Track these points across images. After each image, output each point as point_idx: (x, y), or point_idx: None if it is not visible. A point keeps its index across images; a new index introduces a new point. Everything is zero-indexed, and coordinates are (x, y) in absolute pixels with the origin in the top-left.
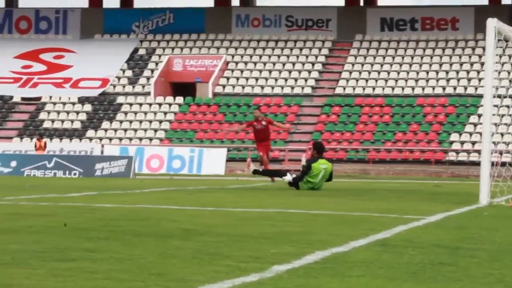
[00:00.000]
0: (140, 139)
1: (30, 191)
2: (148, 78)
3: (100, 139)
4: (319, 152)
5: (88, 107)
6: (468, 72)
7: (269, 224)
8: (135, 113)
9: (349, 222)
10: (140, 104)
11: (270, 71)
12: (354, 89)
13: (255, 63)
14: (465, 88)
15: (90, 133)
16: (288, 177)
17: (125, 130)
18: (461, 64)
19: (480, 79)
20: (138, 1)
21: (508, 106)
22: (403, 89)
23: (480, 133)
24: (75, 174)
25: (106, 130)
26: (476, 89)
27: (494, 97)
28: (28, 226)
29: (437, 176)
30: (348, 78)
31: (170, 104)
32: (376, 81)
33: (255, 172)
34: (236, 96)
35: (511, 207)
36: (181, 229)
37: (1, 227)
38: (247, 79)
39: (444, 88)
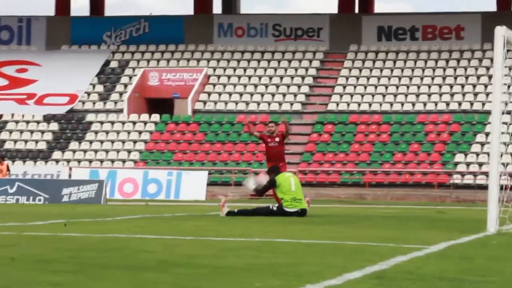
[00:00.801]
0: (112, 161)
1: None
2: (121, 94)
3: (68, 161)
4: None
5: (54, 125)
6: (474, 86)
7: (254, 255)
8: (107, 132)
9: (343, 252)
10: (112, 123)
11: (255, 86)
12: (348, 105)
13: (239, 77)
14: (471, 104)
15: (57, 154)
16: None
17: (96, 151)
18: (467, 77)
19: (487, 94)
20: (109, 8)
21: None
22: (402, 105)
23: (488, 154)
24: (40, 200)
25: (74, 151)
26: (483, 104)
27: (503, 113)
28: None
29: (440, 201)
30: (341, 93)
31: (145, 123)
32: (373, 96)
33: (230, 214)
34: (218, 114)
35: None
36: (156, 260)
37: None
38: (230, 94)
39: (448, 104)
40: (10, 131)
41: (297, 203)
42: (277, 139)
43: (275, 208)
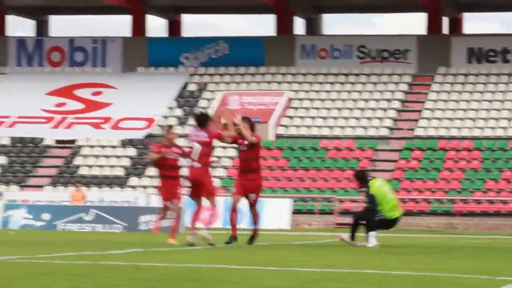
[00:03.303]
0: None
1: (65, 248)
2: None
3: (145, 187)
4: (364, 181)
5: (131, 151)
6: None
7: (338, 287)
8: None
9: (433, 284)
10: (191, 147)
11: (339, 110)
12: (437, 130)
13: (322, 100)
14: None
15: (134, 180)
16: (371, 243)
17: None
18: None
19: None
20: (187, 29)
21: None
22: (494, 130)
23: None
24: (117, 228)
25: (152, 177)
26: None
27: None
28: None
29: None
30: (430, 117)
31: (225, 148)
32: (463, 121)
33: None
34: (301, 139)
35: None
36: None
37: None
38: (313, 118)
39: None
40: (85, 156)
41: (396, 210)
42: (246, 142)
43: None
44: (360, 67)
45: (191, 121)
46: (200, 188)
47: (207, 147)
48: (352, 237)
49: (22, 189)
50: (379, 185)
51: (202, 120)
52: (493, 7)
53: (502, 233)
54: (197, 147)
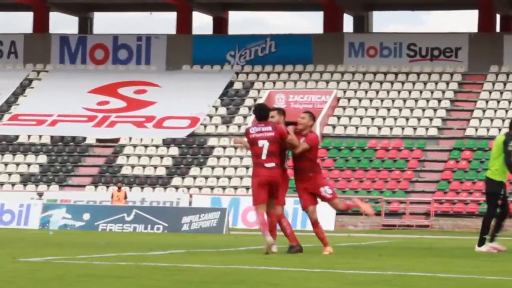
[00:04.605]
0: (235, 188)
1: (106, 249)
2: (245, 117)
3: (188, 188)
4: None
5: (174, 150)
6: None
7: None
8: (230, 157)
9: (479, 287)
10: (236, 147)
11: (388, 109)
12: (488, 130)
13: (370, 100)
14: None
15: (177, 180)
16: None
17: (218, 177)
18: None
19: None
20: (233, 26)
21: None
22: None
23: None
24: (158, 228)
25: (195, 177)
26: None
27: None
28: None
29: None
30: (481, 117)
31: None
32: None
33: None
34: (348, 138)
35: None
36: None
37: None
38: (361, 118)
39: None
40: (128, 156)
41: None
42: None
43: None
44: (410, 65)
45: (237, 119)
46: (275, 190)
47: (275, 144)
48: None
49: (63, 189)
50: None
51: (264, 113)
52: None
53: None
54: (263, 145)
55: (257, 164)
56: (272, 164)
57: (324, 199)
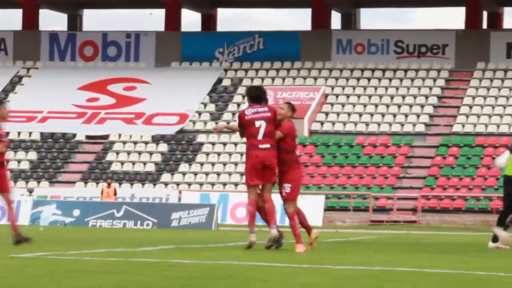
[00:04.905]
0: (224, 184)
1: (95, 245)
2: (233, 113)
3: (178, 184)
4: None
5: (163, 147)
6: None
7: (373, 285)
8: (219, 154)
9: (468, 282)
10: (224, 144)
11: (376, 106)
12: (474, 126)
13: (358, 96)
14: None
15: (166, 177)
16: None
17: (207, 174)
18: None
19: None
20: (221, 23)
21: None
22: None
23: None
24: (148, 224)
25: (184, 173)
26: None
27: None
28: (93, 286)
29: None
30: (467, 113)
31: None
32: (501, 117)
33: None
34: (336, 135)
35: None
36: None
37: (62, 286)
38: (349, 114)
39: None
40: (117, 152)
41: None
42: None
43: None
44: (397, 62)
45: (225, 116)
46: (270, 173)
47: (271, 125)
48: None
49: (53, 185)
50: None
51: (259, 93)
52: None
53: None
54: (260, 125)
55: (252, 146)
56: (267, 145)
57: (280, 195)
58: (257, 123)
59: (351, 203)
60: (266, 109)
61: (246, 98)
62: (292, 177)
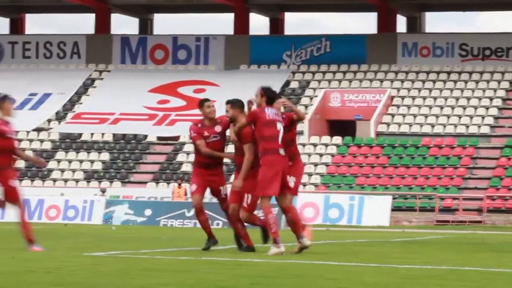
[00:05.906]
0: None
1: (167, 244)
2: None
3: None
4: None
5: (232, 148)
6: None
7: (438, 284)
8: None
9: None
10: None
11: (441, 108)
12: None
13: (424, 98)
14: None
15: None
16: None
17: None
18: None
19: None
20: (289, 27)
21: None
22: None
23: None
24: (218, 224)
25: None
26: None
27: None
28: (163, 284)
29: None
30: None
31: (326, 145)
32: None
33: None
34: (402, 136)
35: None
36: None
37: (133, 284)
38: (414, 116)
39: None
40: (188, 153)
41: None
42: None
43: None
44: (462, 65)
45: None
46: (284, 183)
47: (287, 132)
48: None
49: (125, 185)
50: None
51: (275, 95)
52: None
53: None
54: (280, 128)
55: (271, 150)
56: (284, 152)
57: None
58: (278, 126)
59: (417, 203)
60: (278, 113)
61: (258, 97)
62: (297, 171)
